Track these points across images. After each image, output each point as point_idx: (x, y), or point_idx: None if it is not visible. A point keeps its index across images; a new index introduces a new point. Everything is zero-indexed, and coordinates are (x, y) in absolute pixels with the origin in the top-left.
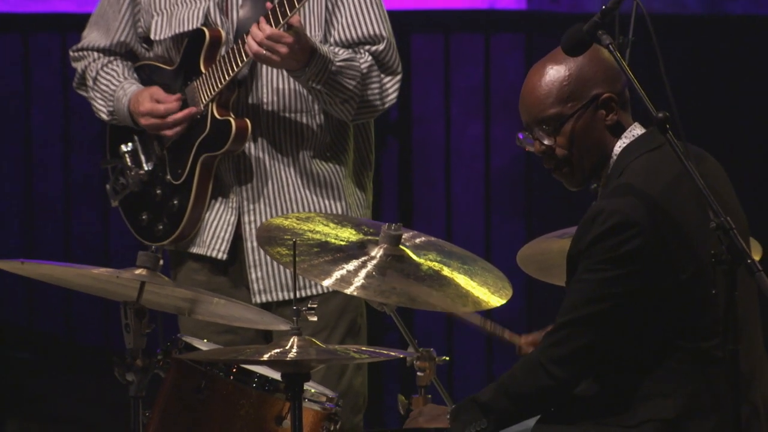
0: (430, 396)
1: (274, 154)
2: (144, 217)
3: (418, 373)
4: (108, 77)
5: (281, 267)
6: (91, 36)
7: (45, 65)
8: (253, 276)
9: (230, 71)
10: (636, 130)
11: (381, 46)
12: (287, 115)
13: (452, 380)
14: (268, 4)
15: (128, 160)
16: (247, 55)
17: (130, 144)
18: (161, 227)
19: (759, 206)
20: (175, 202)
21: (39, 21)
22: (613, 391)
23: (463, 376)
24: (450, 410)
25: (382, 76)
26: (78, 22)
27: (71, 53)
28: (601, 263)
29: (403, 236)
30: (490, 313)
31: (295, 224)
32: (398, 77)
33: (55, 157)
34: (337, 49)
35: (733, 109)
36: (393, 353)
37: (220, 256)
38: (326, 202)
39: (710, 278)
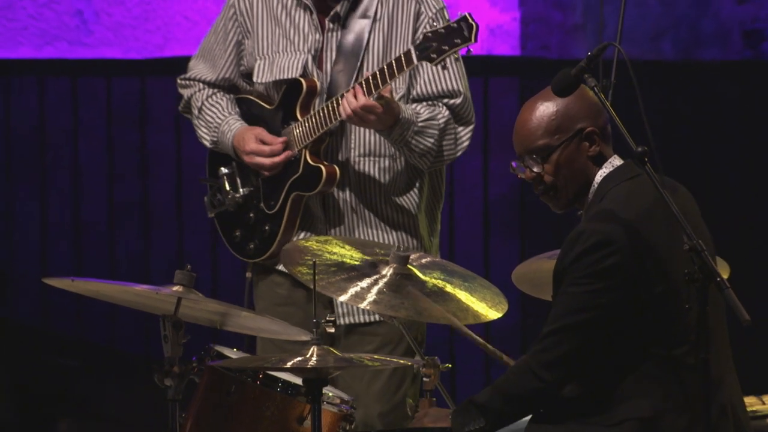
0: (434, 399)
1: (358, 192)
2: (237, 234)
3: (424, 379)
4: (213, 110)
5: None
6: (199, 68)
7: (91, 105)
8: (338, 300)
9: (323, 126)
10: (616, 161)
11: (458, 101)
12: (371, 159)
13: (455, 385)
14: (366, 72)
15: (226, 182)
16: (340, 116)
17: (228, 167)
18: (252, 246)
19: (726, 231)
20: (267, 228)
21: (86, 66)
22: (596, 393)
23: (464, 381)
24: (451, 412)
25: (457, 126)
26: (121, 67)
27: (179, 81)
28: (583, 278)
29: (411, 257)
30: (489, 326)
31: (314, 246)
32: (471, 126)
33: (100, 185)
34: (418, 108)
35: (703, 144)
36: (402, 361)
37: None
38: (401, 236)
39: (681, 292)
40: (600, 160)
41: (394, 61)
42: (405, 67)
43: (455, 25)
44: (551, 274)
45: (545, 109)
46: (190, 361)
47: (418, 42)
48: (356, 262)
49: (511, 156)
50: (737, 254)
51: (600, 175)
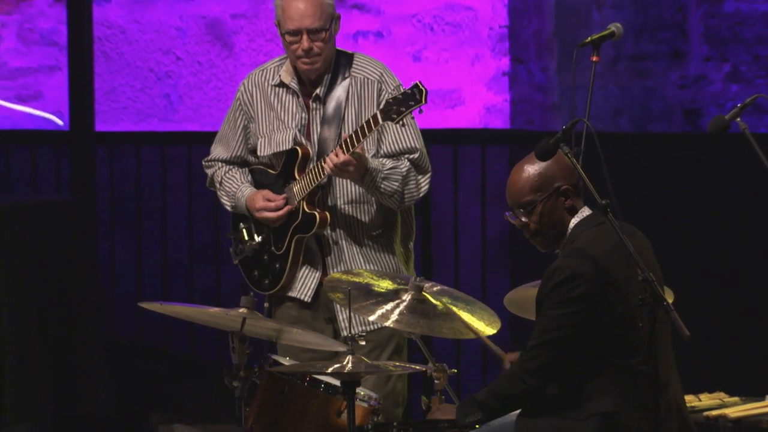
0: (443, 397)
1: (346, 232)
2: (256, 273)
3: (435, 381)
4: (230, 182)
5: None
6: (217, 150)
7: (176, 168)
8: (341, 317)
9: (315, 181)
10: (585, 212)
11: (416, 155)
12: (353, 205)
13: (460, 386)
14: (344, 135)
15: (244, 234)
16: (326, 172)
17: (245, 223)
18: (267, 282)
19: (672, 265)
20: (277, 266)
21: (172, 137)
22: (570, 393)
23: (467, 383)
24: (456, 406)
25: (418, 175)
26: (200, 138)
27: (204, 163)
28: (558, 303)
29: (425, 286)
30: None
31: (350, 278)
32: (429, 174)
33: (183, 230)
34: (384, 161)
35: (654, 198)
36: (417, 367)
37: (306, 298)
38: (384, 264)
39: (636, 314)
40: (573, 211)
41: (365, 123)
42: (373, 128)
43: (409, 91)
44: (534, 300)
45: (529, 171)
46: (253, 367)
47: (381, 106)
48: (382, 290)
49: (503, 207)
50: (680, 284)
51: (573, 222)
